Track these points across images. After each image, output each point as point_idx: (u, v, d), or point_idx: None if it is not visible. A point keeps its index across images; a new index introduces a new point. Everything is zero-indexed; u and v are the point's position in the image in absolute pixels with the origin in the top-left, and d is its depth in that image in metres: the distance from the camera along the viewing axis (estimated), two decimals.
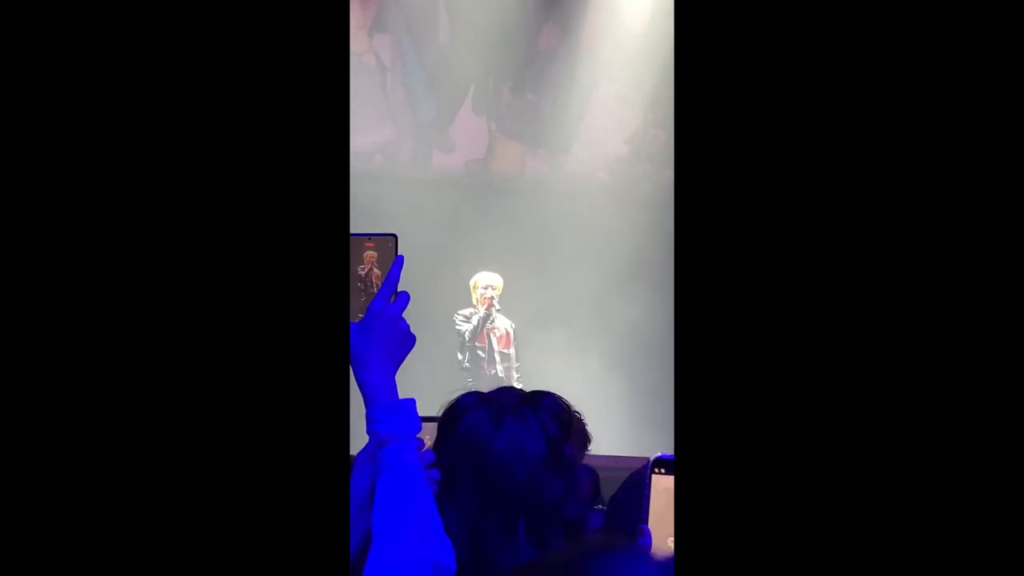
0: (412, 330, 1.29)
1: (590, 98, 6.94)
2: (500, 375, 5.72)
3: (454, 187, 6.88)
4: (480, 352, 5.84)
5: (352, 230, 1.25)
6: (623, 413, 5.94)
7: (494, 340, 5.85)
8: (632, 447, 4.80)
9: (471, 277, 5.96)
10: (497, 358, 5.83)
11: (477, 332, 5.81)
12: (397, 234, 1.32)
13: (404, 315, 1.28)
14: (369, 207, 5.65)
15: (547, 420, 1.41)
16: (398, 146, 6.88)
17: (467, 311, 5.87)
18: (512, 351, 5.88)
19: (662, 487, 1.35)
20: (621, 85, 6.89)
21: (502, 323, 5.91)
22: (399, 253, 1.30)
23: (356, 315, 1.27)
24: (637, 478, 1.70)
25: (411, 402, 1.25)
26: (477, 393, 1.46)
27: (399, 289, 1.28)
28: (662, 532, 1.33)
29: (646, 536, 1.32)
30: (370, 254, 1.30)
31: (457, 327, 5.82)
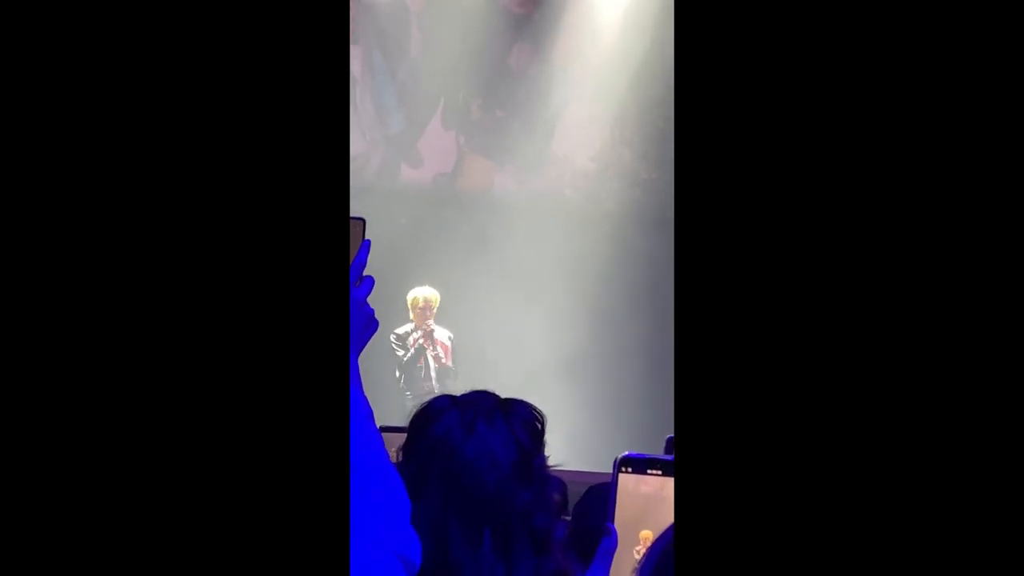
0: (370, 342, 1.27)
1: (559, 116, 6.98)
2: (437, 390, 5.69)
3: (421, 200, 6.88)
4: (417, 370, 5.83)
5: None
6: (573, 427, 5.94)
7: (430, 357, 5.83)
8: (583, 458, 4.79)
9: (409, 292, 5.92)
10: (434, 375, 5.81)
11: (415, 360, 5.79)
12: (365, 219, 1.30)
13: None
14: None
15: (519, 428, 1.40)
16: (366, 158, 6.87)
17: (402, 330, 5.84)
18: (449, 362, 5.86)
19: (629, 486, 1.34)
20: (589, 104, 6.94)
21: (440, 334, 5.90)
22: (366, 238, 1.28)
23: None
24: (602, 485, 1.70)
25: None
26: (449, 396, 1.45)
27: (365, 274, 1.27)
28: (628, 531, 1.32)
29: (612, 535, 1.32)
30: None
31: (393, 346, 5.79)
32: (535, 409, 1.44)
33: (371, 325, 1.26)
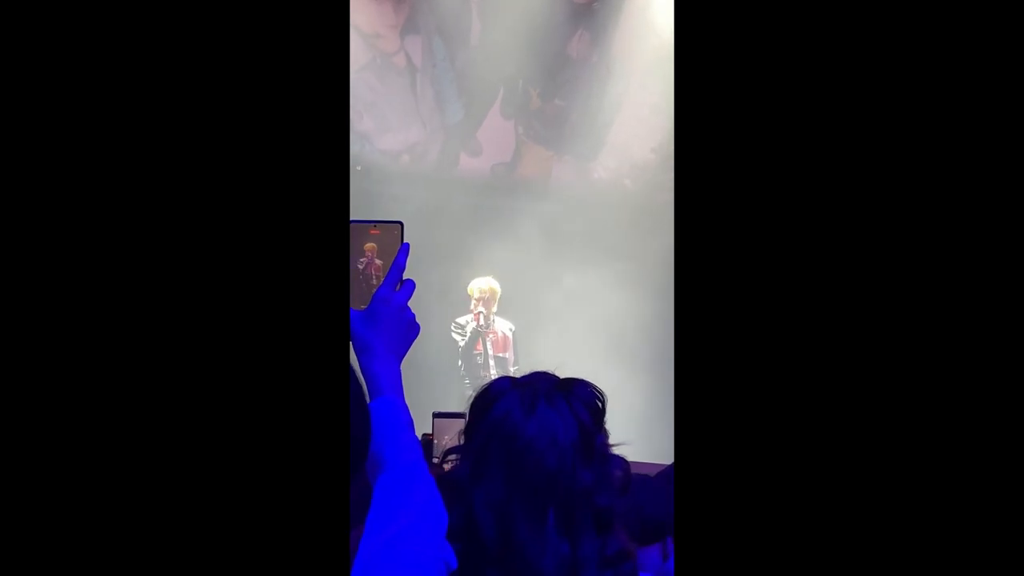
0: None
1: (618, 106, 6.93)
2: (495, 376, 5.67)
3: (479, 190, 6.89)
4: (476, 358, 5.83)
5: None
6: (634, 418, 5.91)
7: (489, 345, 5.83)
8: (641, 452, 4.77)
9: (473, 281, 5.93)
10: (492, 363, 5.81)
11: (471, 345, 5.80)
12: (403, 222, 1.30)
13: (410, 305, 1.26)
14: (394, 206, 5.67)
15: (579, 408, 1.40)
16: (425, 147, 6.90)
17: (463, 319, 5.85)
18: (510, 354, 5.86)
19: None
20: (649, 94, 6.88)
21: (501, 326, 5.90)
22: (404, 241, 1.28)
23: (356, 304, 1.25)
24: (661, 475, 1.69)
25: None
26: (509, 378, 1.45)
27: (404, 277, 1.26)
28: None
29: (668, 544, 1.31)
30: (370, 245, 1.27)
31: (453, 335, 5.82)
32: (595, 388, 1.43)
33: (412, 330, 1.26)
